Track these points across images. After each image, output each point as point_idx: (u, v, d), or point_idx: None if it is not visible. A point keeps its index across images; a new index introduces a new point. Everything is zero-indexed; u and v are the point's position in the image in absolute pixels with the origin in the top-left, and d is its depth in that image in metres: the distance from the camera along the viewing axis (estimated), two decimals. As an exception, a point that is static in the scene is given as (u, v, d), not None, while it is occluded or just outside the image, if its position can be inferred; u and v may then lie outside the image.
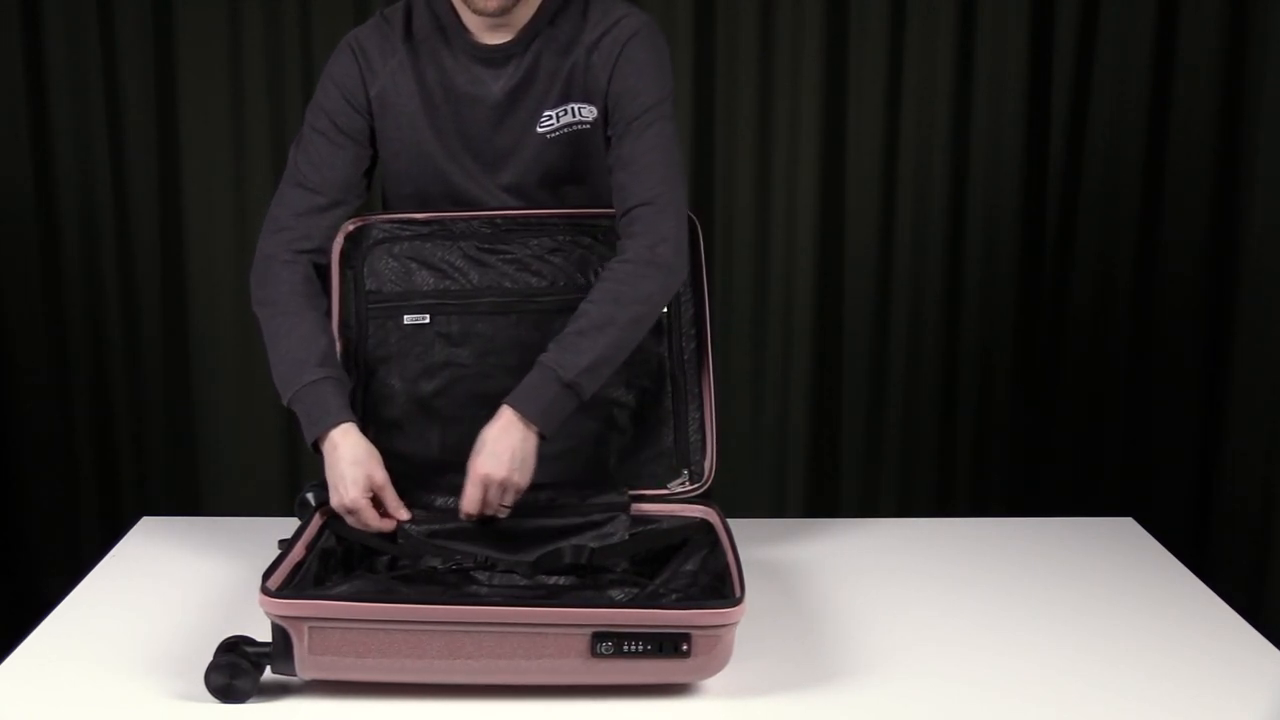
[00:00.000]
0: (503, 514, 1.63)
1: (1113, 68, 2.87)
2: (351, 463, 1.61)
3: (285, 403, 1.67)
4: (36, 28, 2.82)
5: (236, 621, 1.61)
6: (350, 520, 1.63)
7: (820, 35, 2.87)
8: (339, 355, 1.72)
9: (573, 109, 1.76)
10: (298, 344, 1.68)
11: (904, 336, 3.00)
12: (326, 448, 1.63)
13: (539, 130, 1.76)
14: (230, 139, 2.87)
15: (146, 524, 1.96)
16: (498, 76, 1.75)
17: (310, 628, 1.36)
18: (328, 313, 1.73)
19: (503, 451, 1.59)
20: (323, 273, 1.76)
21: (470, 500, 1.60)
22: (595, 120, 1.76)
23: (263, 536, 1.88)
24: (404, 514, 1.64)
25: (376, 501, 1.63)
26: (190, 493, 2.99)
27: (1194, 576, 1.80)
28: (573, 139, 1.77)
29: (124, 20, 2.82)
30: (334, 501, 1.61)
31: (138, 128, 2.87)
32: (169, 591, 1.71)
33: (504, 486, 1.60)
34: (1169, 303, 2.89)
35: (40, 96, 2.84)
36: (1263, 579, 2.58)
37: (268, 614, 1.37)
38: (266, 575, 1.41)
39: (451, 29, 1.76)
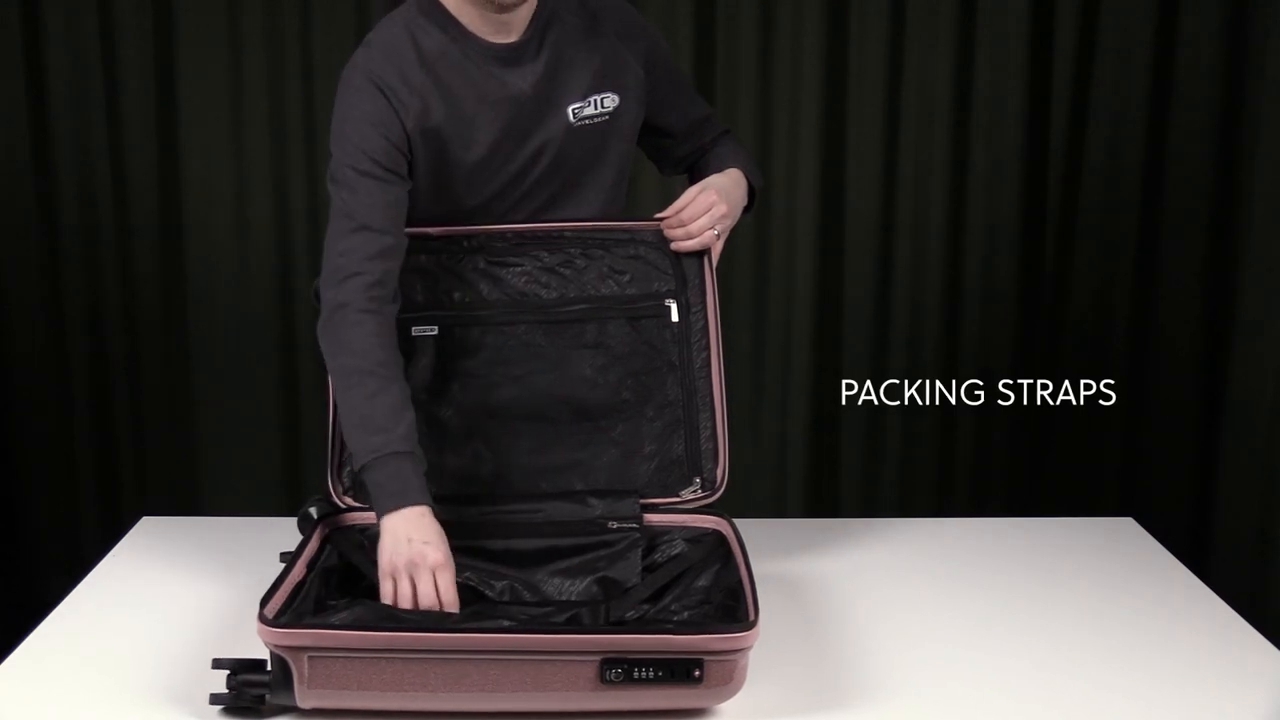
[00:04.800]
0: (710, 232, 1.76)
1: (1113, 68, 2.87)
2: (423, 541, 1.51)
3: (357, 466, 1.58)
4: (36, 28, 2.82)
5: (236, 623, 1.61)
6: (400, 590, 1.51)
7: (820, 35, 2.87)
8: None
9: (596, 100, 1.79)
10: (384, 411, 1.58)
11: (904, 337, 3.00)
12: (396, 521, 1.53)
13: (571, 121, 1.78)
14: (230, 140, 2.87)
15: (146, 524, 1.96)
16: (523, 74, 1.75)
17: (310, 658, 1.32)
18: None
19: (734, 189, 1.81)
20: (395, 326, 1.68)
21: (688, 199, 1.75)
22: (615, 109, 1.80)
23: (263, 537, 1.88)
24: (454, 606, 1.50)
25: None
26: (190, 493, 2.99)
27: (1194, 576, 1.80)
28: (593, 131, 1.79)
29: (124, 21, 2.82)
30: (384, 568, 1.51)
31: (137, 129, 2.86)
32: (169, 591, 1.71)
33: (713, 215, 1.74)
34: (1169, 303, 2.89)
35: (40, 97, 2.84)
36: (1263, 579, 2.58)
37: (266, 643, 1.34)
38: (265, 600, 1.37)
39: (463, 39, 1.73)
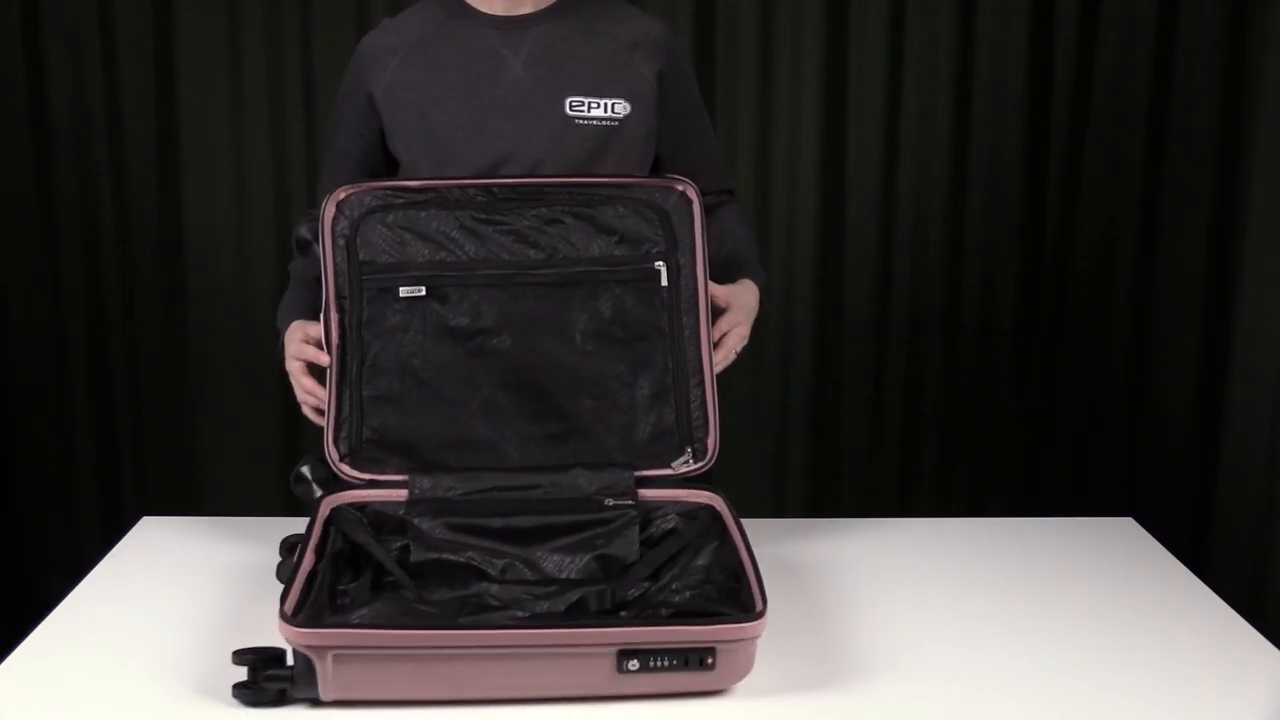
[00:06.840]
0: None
1: (1113, 63, 2.87)
2: (284, 353, 1.80)
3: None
4: (37, 28, 2.81)
5: (237, 623, 1.61)
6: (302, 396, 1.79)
7: (820, 35, 2.87)
8: (336, 329, 1.71)
9: (606, 104, 1.79)
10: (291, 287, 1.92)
11: (904, 337, 3.00)
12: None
13: (568, 113, 1.79)
14: (230, 140, 2.87)
15: (146, 524, 1.96)
16: (517, 47, 1.78)
17: (334, 655, 1.35)
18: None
19: (752, 302, 1.86)
20: None
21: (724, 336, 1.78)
22: (626, 117, 1.81)
23: (263, 536, 1.88)
24: (323, 359, 1.73)
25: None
26: (190, 493, 2.99)
27: (1194, 576, 1.80)
28: (598, 133, 1.79)
29: (124, 20, 2.82)
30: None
31: (138, 129, 2.87)
32: (169, 591, 1.71)
33: (737, 343, 1.80)
34: (1169, 302, 2.89)
35: (39, 97, 2.84)
36: (1263, 579, 2.57)
37: (289, 641, 1.35)
38: (284, 597, 1.39)
39: (466, 11, 1.82)
